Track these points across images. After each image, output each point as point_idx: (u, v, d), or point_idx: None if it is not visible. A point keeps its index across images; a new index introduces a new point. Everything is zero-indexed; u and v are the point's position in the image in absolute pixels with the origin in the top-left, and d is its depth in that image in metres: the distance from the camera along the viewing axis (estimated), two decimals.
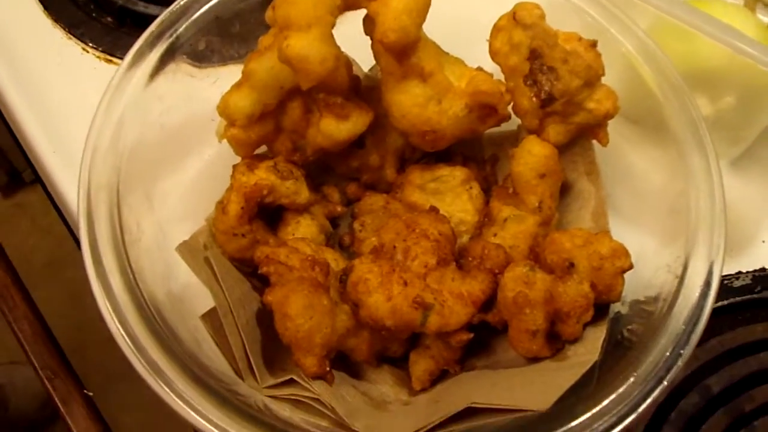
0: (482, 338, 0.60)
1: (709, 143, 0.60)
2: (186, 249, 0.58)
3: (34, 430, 1.54)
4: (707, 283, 0.55)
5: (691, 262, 0.56)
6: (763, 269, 0.70)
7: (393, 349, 0.60)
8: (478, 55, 0.64)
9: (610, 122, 0.63)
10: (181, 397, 0.49)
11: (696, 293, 0.54)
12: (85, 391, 0.72)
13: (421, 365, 0.59)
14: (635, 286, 0.59)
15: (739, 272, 0.70)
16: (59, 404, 0.70)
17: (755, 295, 0.69)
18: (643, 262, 0.59)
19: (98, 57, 0.78)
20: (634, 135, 0.68)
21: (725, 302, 0.68)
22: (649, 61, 0.63)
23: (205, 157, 0.68)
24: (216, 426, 0.49)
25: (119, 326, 0.51)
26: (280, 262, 0.57)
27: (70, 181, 0.71)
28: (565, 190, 0.65)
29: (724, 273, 0.69)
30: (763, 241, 0.73)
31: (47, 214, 1.68)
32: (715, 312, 0.66)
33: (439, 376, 0.60)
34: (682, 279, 0.56)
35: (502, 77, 0.63)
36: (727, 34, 0.61)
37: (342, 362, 0.60)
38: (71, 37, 0.79)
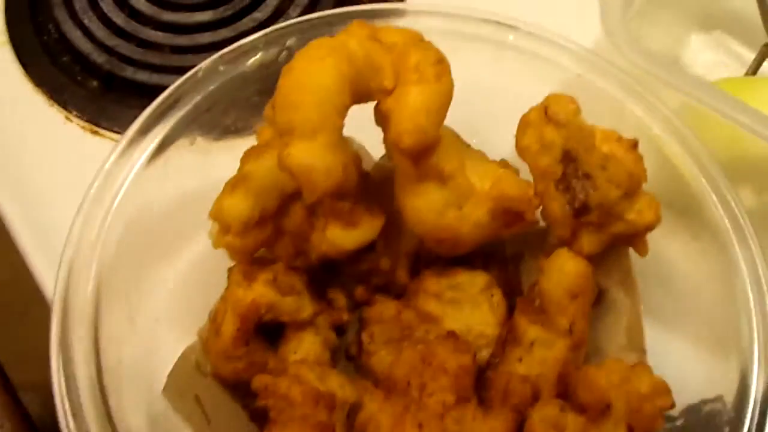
0: None
1: (756, 243, 0.55)
2: (174, 387, 0.52)
3: None
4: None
5: (747, 391, 0.51)
6: None
7: None
8: (499, 133, 0.58)
9: None
10: None
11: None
12: None
13: None
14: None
15: None
16: None
17: None
18: (684, 388, 0.53)
19: (82, 127, 0.71)
20: (673, 223, 0.62)
21: None
22: (685, 152, 0.58)
23: (197, 249, 0.61)
24: None
25: None
26: (280, 395, 0.51)
27: (47, 263, 0.65)
28: (597, 298, 0.58)
29: None
30: None
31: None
32: None
33: None
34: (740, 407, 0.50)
35: (526, 168, 0.57)
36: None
37: None
38: (54, 103, 0.72)
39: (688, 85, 0.59)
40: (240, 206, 0.53)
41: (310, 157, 0.49)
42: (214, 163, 0.60)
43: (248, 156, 0.54)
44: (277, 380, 0.51)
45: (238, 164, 0.55)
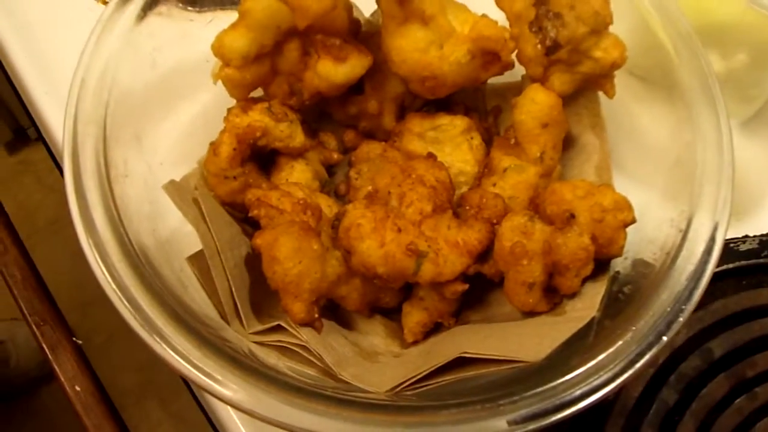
0: (478, 292, 0.59)
1: (720, 98, 0.58)
2: (174, 188, 0.56)
3: (34, 386, 1.53)
4: (712, 239, 0.53)
5: (696, 218, 0.54)
6: None
7: (385, 299, 0.58)
8: (482, 4, 0.62)
9: (617, 78, 0.61)
10: (162, 337, 0.47)
11: (700, 249, 0.53)
12: (74, 338, 0.70)
13: (414, 317, 0.58)
14: (637, 243, 0.57)
15: (746, 236, 0.68)
16: (47, 351, 0.69)
17: (761, 260, 0.66)
18: (646, 218, 0.57)
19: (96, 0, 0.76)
20: (642, 90, 0.66)
21: (730, 266, 0.66)
22: (660, 11, 0.61)
23: (200, 101, 0.65)
24: (199, 369, 0.47)
25: (99, 261, 0.49)
26: (271, 205, 0.55)
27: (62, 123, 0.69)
28: (568, 143, 0.63)
29: (731, 236, 0.68)
30: None
31: (52, 172, 1.67)
32: (719, 276, 0.66)
33: (433, 329, 0.58)
34: (685, 234, 0.54)
35: (507, 25, 0.61)
36: None
37: (332, 312, 0.59)
38: None
39: None
40: (239, 41, 0.58)
41: None
42: (217, 23, 0.64)
43: None
44: (269, 193, 0.56)
45: None
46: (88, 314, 1.45)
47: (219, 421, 0.63)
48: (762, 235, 0.68)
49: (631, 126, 0.65)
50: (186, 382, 0.52)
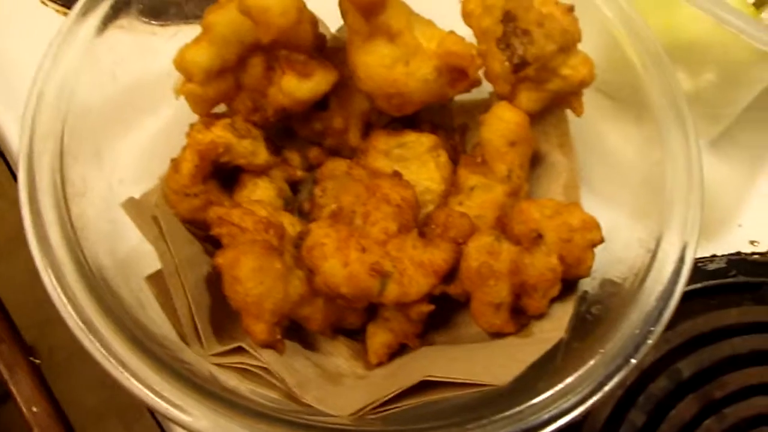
0: (444, 313, 0.58)
1: (689, 116, 0.58)
2: (133, 206, 0.55)
3: None
4: (681, 259, 0.52)
5: (665, 237, 0.54)
6: (738, 253, 0.68)
7: (350, 320, 0.57)
8: (449, 20, 0.61)
9: (586, 96, 0.61)
10: (120, 362, 0.46)
11: (669, 269, 0.52)
12: (32, 358, 0.68)
13: (378, 338, 0.56)
14: (606, 263, 0.57)
15: (714, 255, 0.68)
16: (3, 371, 0.67)
17: (729, 279, 0.67)
18: (614, 238, 0.57)
19: (57, 11, 0.74)
20: (610, 109, 0.65)
21: (699, 285, 0.66)
22: (630, 29, 0.61)
23: (162, 116, 0.64)
24: (158, 395, 0.46)
25: (55, 282, 0.47)
26: (233, 223, 0.54)
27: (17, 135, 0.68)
28: (536, 162, 0.62)
29: (699, 256, 0.67)
30: (740, 225, 0.71)
31: (11, 185, 1.63)
32: (687, 295, 0.65)
33: (398, 351, 0.57)
34: (654, 254, 0.53)
35: (474, 42, 0.61)
36: (709, 1, 0.58)
37: (295, 333, 0.57)
38: None
39: None
40: (202, 55, 0.57)
41: None
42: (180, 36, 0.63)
43: (211, 10, 0.57)
44: (231, 211, 0.54)
45: None
46: (48, 332, 1.41)
47: None
48: (730, 255, 0.68)
49: (600, 144, 0.65)
50: None
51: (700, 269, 0.66)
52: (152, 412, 0.65)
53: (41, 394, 0.66)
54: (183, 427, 0.46)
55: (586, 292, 0.57)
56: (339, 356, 0.57)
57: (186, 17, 0.68)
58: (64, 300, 0.47)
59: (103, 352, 0.46)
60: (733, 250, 0.68)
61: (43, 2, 0.75)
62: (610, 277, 0.56)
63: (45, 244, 0.49)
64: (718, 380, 0.61)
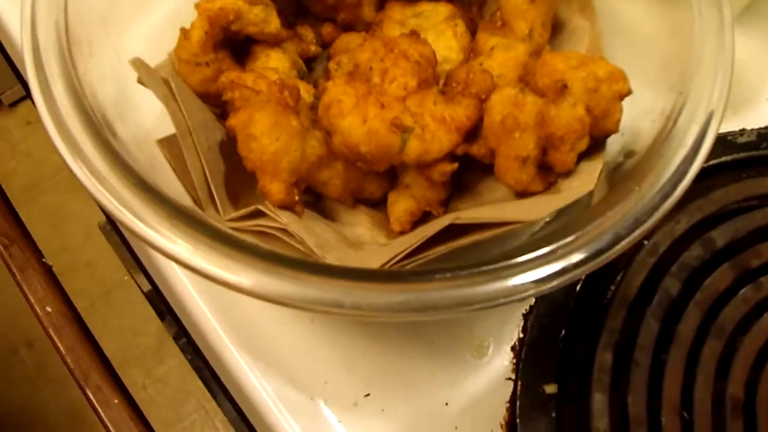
0: (467, 178, 0.55)
1: None
2: (142, 64, 0.53)
3: None
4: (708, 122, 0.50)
5: (690, 99, 0.51)
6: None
7: (370, 189, 0.55)
8: None
9: None
10: (128, 207, 0.43)
11: (701, 118, 0.50)
12: (43, 259, 0.67)
13: (400, 205, 0.54)
14: (629, 135, 0.54)
15: (743, 129, 0.65)
16: (15, 272, 0.65)
17: (760, 152, 0.64)
18: (637, 110, 0.54)
19: None
20: None
21: (728, 158, 0.63)
22: None
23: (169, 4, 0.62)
24: (170, 240, 0.43)
25: (55, 129, 0.45)
26: (246, 86, 0.52)
27: None
28: (557, 28, 0.60)
29: (728, 129, 0.65)
30: None
31: (25, 138, 1.63)
32: (718, 168, 0.63)
33: (421, 220, 0.55)
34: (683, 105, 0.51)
35: None
36: None
37: (314, 204, 0.55)
38: None
39: None
40: None
41: None
42: None
43: None
44: (243, 75, 0.53)
45: None
46: (67, 281, 1.41)
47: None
48: (760, 128, 0.65)
49: (621, 15, 0.62)
50: None
51: (729, 142, 0.64)
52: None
53: (54, 294, 0.65)
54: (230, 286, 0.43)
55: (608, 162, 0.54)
56: (360, 225, 0.55)
57: None
58: (67, 148, 0.45)
59: (110, 198, 0.44)
60: (762, 124, 0.66)
61: None
62: (638, 128, 0.53)
63: (49, 96, 0.46)
64: (753, 248, 0.59)
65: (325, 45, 0.62)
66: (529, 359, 0.55)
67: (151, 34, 0.60)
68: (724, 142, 0.64)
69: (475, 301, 0.41)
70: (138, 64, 0.52)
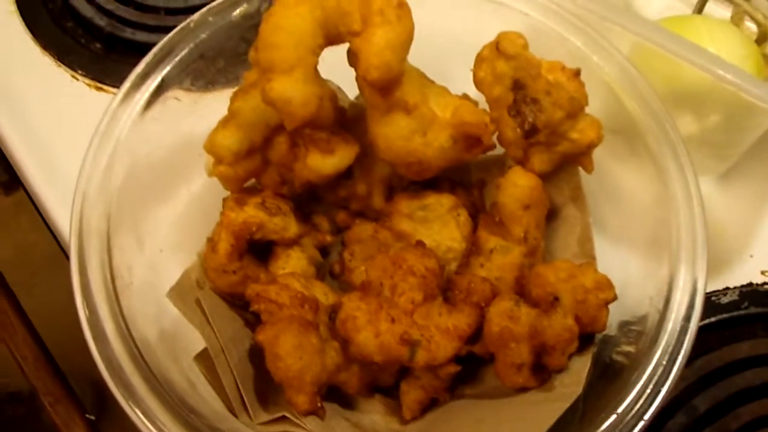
0: (471, 367, 0.61)
1: (689, 165, 0.60)
2: (177, 294, 0.59)
3: None
4: (687, 318, 0.55)
5: (674, 291, 0.57)
6: (750, 284, 0.71)
7: (383, 379, 0.61)
8: (463, 82, 0.64)
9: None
10: None
11: (680, 318, 0.55)
12: (87, 415, 0.73)
13: (411, 395, 0.60)
14: (623, 309, 0.60)
15: (726, 288, 0.71)
16: (61, 429, 0.72)
17: (742, 311, 0.69)
18: (628, 287, 0.60)
19: (88, 85, 0.79)
20: (619, 148, 0.68)
21: (713, 319, 0.69)
22: (630, 88, 0.63)
23: (195, 188, 0.68)
24: None
25: (111, 376, 0.52)
26: (270, 299, 0.58)
27: (63, 212, 0.72)
28: (551, 215, 0.65)
29: (712, 289, 0.70)
30: (751, 256, 0.73)
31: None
32: (702, 329, 0.68)
33: (429, 405, 0.61)
34: (666, 305, 0.56)
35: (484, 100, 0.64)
36: (707, 61, 0.61)
37: (333, 393, 0.61)
38: (60, 64, 0.80)
39: (635, 24, 0.64)
40: (230, 139, 0.60)
41: (289, 89, 0.56)
42: (206, 111, 0.67)
43: (236, 95, 0.61)
44: (268, 287, 0.58)
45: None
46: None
47: None
48: (742, 286, 0.71)
49: (612, 188, 0.68)
50: None
51: (713, 303, 0.70)
52: None
53: None
54: None
55: (606, 334, 0.60)
56: (375, 413, 0.61)
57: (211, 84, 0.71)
58: (122, 392, 0.52)
59: None
60: (745, 282, 0.71)
61: (73, 77, 0.79)
62: (627, 322, 0.59)
63: (101, 338, 0.53)
64: (733, 412, 0.65)
65: (340, 229, 0.68)
66: None
67: (178, 223, 0.67)
68: (708, 303, 0.69)
69: None
70: (173, 296, 0.58)
